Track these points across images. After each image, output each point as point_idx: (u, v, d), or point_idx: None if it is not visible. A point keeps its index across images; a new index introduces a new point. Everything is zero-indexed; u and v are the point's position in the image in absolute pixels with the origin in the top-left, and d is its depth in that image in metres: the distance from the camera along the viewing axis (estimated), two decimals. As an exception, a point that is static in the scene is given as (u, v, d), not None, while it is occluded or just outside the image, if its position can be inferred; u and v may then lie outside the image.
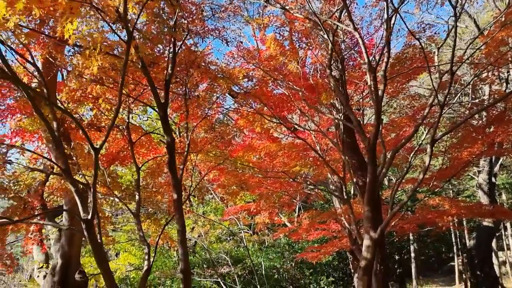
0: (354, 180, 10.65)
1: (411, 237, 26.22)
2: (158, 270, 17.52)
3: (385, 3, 6.65)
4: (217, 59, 12.59)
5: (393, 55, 11.10)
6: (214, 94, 10.49)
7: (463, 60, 6.82)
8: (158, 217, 10.49)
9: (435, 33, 11.42)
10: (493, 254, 21.46)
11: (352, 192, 15.81)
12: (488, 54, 9.31)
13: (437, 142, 14.46)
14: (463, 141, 12.56)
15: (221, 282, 16.50)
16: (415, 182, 15.83)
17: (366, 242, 6.18)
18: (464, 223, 26.38)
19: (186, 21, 6.69)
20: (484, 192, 18.18)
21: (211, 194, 17.97)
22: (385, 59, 6.42)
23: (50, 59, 6.33)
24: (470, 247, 22.78)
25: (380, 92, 6.44)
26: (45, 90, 5.36)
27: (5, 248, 7.87)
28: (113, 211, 17.56)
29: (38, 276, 9.89)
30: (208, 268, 17.52)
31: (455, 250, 27.95)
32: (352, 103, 12.28)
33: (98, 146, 4.24)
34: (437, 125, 6.15)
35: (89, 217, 4.81)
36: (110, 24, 3.32)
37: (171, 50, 6.21)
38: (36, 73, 6.38)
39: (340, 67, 10.81)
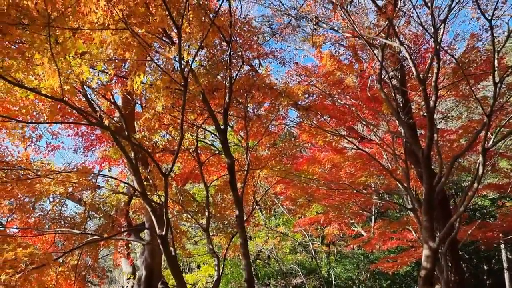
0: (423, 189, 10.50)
1: (502, 246, 24.33)
2: (234, 281, 18.29)
3: (436, 13, 6.75)
4: (276, 79, 13.17)
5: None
6: (276, 112, 11.04)
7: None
8: (229, 231, 11.18)
9: (503, 33, 10.97)
10: None
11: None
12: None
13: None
14: (544, 142, 11.78)
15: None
16: (495, 188, 14.97)
17: (425, 252, 6.23)
18: None
19: (240, 52, 7.32)
20: None
21: (280, 207, 18.46)
22: (435, 70, 6.49)
23: (128, 95, 7.30)
24: None
25: (431, 103, 6.51)
26: (123, 125, 6.27)
27: (98, 261, 9.00)
28: (192, 225, 18.72)
29: (127, 286, 11.04)
30: (282, 279, 17.93)
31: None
32: (414, 110, 12.08)
33: (166, 173, 4.96)
34: (486, 134, 6.07)
35: (163, 233, 5.54)
36: (169, 74, 4.00)
37: (228, 81, 6.85)
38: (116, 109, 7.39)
39: (399, 75, 10.80)
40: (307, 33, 12.30)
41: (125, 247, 10.42)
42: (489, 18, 5.76)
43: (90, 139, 9.97)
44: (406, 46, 6.67)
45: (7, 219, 7.24)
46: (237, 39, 8.21)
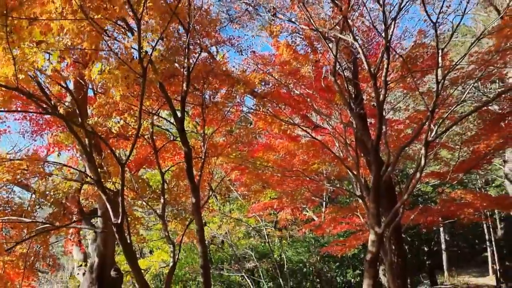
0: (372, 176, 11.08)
1: (441, 229, 26.06)
2: (188, 266, 18.41)
3: (387, 9, 7.09)
4: (233, 66, 13.31)
5: (404, 53, 11.40)
6: (233, 99, 11.12)
7: (452, 65, 7.12)
8: (184, 217, 11.25)
9: (447, 30, 11.63)
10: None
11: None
12: (496, 50, 9.52)
13: (455, 135, 14.56)
14: (480, 134, 12.71)
15: (245, 277, 17.24)
16: (436, 176, 15.97)
17: (371, 237, 6.64)
18: (496, 213, 26.03)
19: (198, 40, 7.31)
20: (510, 182, 18.00)
21: (235, 192, 18.67)
22: (385, 66, 6.83)
23: (80, 80, 7.09)
24: (498, 237, 22.60)
25: (381, 96, 6.86)
26: (77, 110, 6.12)
27: (49, 249, 8.78)
28: (145, 211, 18.54)
29: (78, 274, 10.85)
30: (235, 263, 18.27)
31: (487, 242, 27.64)
32: (365, 100, 12.60)
33: (123, 161, 4.94)
34: (429, 128, 6.52)
35: (119, 221, 5.53)
36: (128, 64, 3.98)
37: (186, 69, 6.83)
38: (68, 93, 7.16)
39: (352, 67, 11.19)
40: (265, 20, 12.39)
41: (76, 234, 10.21)
42: (435, 21, 6.14)
43: (38, 123, 9.59)
44: (359, 40, 6.95)
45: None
46: (195, 25, 8.15)
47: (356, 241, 16.01)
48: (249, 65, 11.05)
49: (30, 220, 6.24)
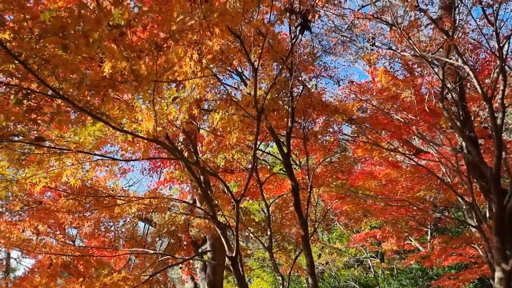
0: (487, 203, 10.17)
1: None
2: (290, 296, 18.32)
3: (499, 25, 6.67)
4: (331, 97, 13.36)
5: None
6: (331, 128, 11.14)
7: None
8: (286, 247, 11.34)
9: None
10: None
11: (488, 215, 14.70)
12: None
13: None
14: None
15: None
16: None
17: (498, 274, 6.07)
18: None
19: (300, 77, 7.54)
20: None
21: (335, 222, 18.33)
22: (501, 87, 6.37)
23: (192, 120, 7.71)
24: None
25: (499, 121, 6.38)
26: (191, 149, 6.65)
27: (167, 276, 9.46)
28: (243, 240, 19.05)
29: (190, 301, 11.44)
30: (338, 295, 17.77)
31: None
32: (476, 121, 11.73)
33: (238, 198, 5.24)
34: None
35: (233, 254, 5.80)
36: (246, 109, 4.31)
37: (290, 106, 7.07)
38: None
39: (458, 89, 10.56)
40: (360, 48, 12.33)
41: (188, 263, 10.85)
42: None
43: (156, 162, 10.60)
44: (468, 64, 6.60)
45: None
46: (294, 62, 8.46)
47: (471, 275, 14.62)
48: (346, 93, 11.04)
49: (154, 252, 6.84)
